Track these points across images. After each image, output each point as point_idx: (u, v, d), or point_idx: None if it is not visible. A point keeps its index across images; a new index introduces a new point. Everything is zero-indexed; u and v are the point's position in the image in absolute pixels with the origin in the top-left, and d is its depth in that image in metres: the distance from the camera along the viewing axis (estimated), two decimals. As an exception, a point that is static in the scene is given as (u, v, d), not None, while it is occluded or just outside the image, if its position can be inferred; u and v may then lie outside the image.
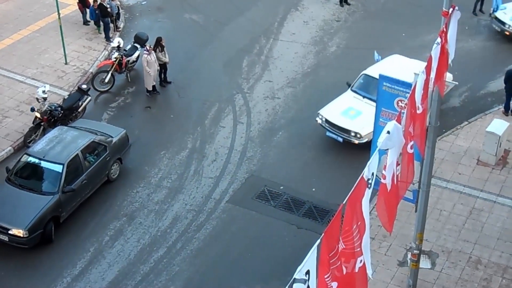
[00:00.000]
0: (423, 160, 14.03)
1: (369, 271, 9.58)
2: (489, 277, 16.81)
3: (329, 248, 8.41)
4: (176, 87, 24.21)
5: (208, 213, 19.03)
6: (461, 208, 18.82)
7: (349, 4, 29.24)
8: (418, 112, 11.07)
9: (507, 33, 26.77)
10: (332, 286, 8.62)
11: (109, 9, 25.92)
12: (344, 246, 8.73)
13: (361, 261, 9.09)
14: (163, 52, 23.65)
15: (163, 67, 23.91)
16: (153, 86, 23.57)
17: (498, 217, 18.52)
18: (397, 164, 10.01)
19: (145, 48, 23.17)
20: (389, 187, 9.82)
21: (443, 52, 12.27)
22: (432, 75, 11.84)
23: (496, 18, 27.28)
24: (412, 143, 10.79)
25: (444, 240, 17.81)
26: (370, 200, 9.28)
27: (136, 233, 18.48)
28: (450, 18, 12.61)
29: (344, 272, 8.85)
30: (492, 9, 27.54)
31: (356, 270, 9.10)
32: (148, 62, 22.91)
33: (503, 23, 26.85)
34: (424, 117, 11.87)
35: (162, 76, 24.11)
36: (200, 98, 23.65)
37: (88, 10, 26.64)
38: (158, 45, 23.56)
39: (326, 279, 8.47)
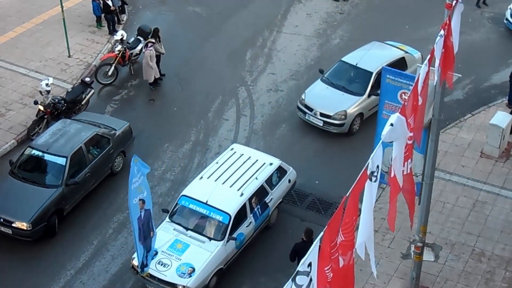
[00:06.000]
0: (426, 153, 14.02)
1: (374, 268, 9.62)
2: (492, 270, 16.81)
3: (330, 241, 8.45)
4: (179, 80, 24.19)
5: (212, 206, 19.02)
6: (464, 200, 18.81)
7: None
8: (419, 104, 11.06)
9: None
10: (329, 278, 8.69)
11: (109, 2, 25.79)
12: (343, 238, 8.76)
13: (353, 251, 9.17)
14: (160, 43, 23.62)
15: (158, 58, 23.82)
16: (154, 78, 23.50)
17: (502, 209, 18.52)
18: (407, 158, 9.98)
19: (150, 45, 23.08)
20: (400, 182, 9.78)
21: (448, 45, 12.25)
22: (436, 67, 11.82)
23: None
24: (411, 134, 10.79)
25: (448, 233, 17.81)
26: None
27: (139, 226, 18.50)
28: (453, 10, 12.59)
29: (341, 265, 8.89)
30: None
31: (352, 262, 9.16)
32: (151, 57, 22.88)
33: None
34: (423, 109, 11.87)
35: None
36: (203, 91, 23.63)
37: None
38: (156, 36, 23.51)
39: (326, 271, 8.51)
